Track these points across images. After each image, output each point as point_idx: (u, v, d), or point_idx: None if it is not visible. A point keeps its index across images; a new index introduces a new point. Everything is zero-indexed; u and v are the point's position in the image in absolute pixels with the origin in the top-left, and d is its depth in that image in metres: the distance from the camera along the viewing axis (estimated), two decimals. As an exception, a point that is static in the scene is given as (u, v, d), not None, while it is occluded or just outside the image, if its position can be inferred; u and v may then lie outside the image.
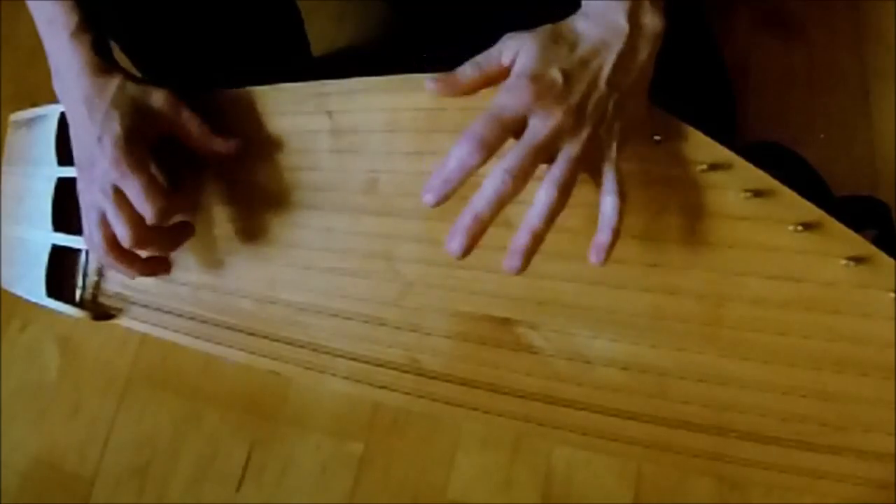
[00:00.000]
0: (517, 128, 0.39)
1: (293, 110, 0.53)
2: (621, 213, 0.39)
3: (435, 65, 0.43)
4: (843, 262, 0.39)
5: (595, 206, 0.44)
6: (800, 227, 0.40)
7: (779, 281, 0.41)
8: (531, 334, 0.48)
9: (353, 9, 0.82)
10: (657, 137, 0.42)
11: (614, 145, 0.39)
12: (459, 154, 0.38)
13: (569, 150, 0.38)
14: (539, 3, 0.41)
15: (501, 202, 0.37)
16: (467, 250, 0.38)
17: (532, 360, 0.49)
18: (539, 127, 0.38)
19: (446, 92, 0.42)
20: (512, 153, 0.38)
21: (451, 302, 0.50)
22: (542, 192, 0.38)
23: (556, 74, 0.38)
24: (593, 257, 0.39)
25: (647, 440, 0.47)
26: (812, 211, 0.40)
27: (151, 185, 0.49)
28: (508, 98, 0.38)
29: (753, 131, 0.63)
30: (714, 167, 0.41)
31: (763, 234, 0.41)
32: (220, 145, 0.54)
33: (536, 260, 0.46)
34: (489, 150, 0.38)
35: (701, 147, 0.42)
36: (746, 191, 0.40)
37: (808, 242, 0.40)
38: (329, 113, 0.52)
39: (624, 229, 0.44)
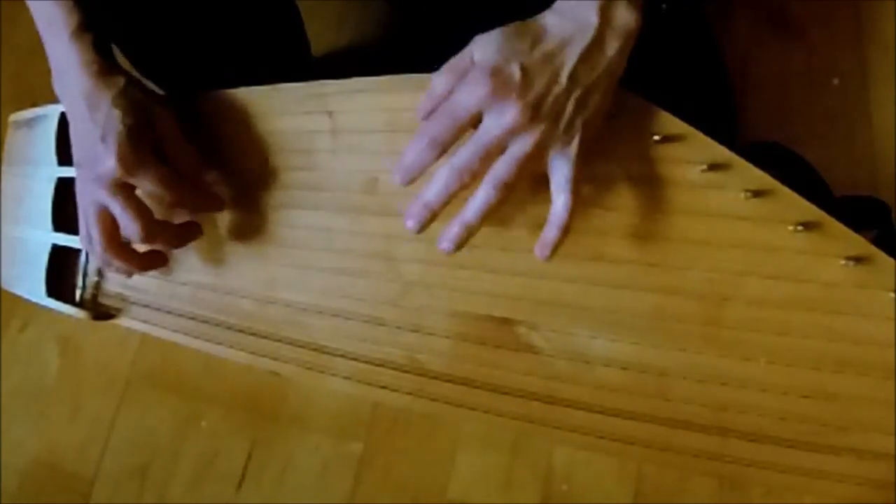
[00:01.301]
0: (473, 122, 0.39)
1: (293, 110, 0.53)
2: (571, 212, 0.40)
3: (435, 64, 0.43)
4: (843, 262, 0.39)
5: (598, 207, 0.45)
6: (800, 227, 0.40)
7: (779, 281, 0.41)
8: (531, 334, 0.48)
9: (353, 9, 0.82)
10: (657, 137, 0.42)
11: (574, 142, 0.39)
12: (414, 149, 0.40)
13: (515, 149, 0.39)
14: (538, 3, 0.41)
15: (449, 196, 0.40)
16: (419, 230, 0.41)
17: (532, 360, 0.49)
18: (491, 124, 0.38)
19: (432, 106, 0.42)
20: (463, 150, 0.39)
21: (451, 302, 0.50)
22: (480, 190, 0.40)
23: (514, 69, 0.38)
24: (538, 252, 0.41)
25: (647, 440, 0.47)
26: (812, 211, 0.40)
27: (165, 175, 0.50)
28: (465, 92, 0.39)
29: (753, 131, 0.63)
30: (714, 167, 0.41)
31: (763, 234, 0.41)
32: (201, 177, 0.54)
33: (538, 260, 0.46)
34: (442, 147, 0.40)
35: (701, 147, 0.41)
36: (746, 191, 0.40)
37: (808, 242, 0.40)
38: (329, 113, 0.52)
39: (624, 229, 0.44)
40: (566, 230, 0.40)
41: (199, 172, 0.54)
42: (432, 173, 0.41)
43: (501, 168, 0.39)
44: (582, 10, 0.38)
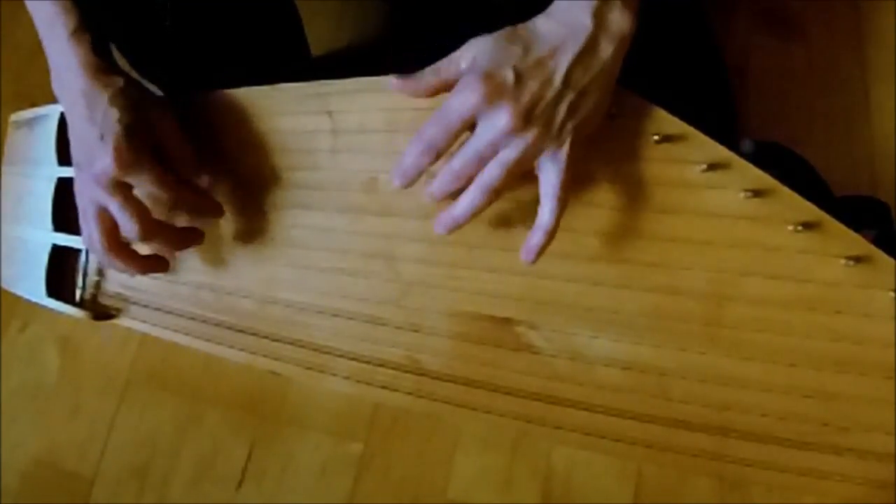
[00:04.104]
0: (467, 127, 0.40)
1: (293, 110, 0.53)
2: (558, 218, 0.40)
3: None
4: (843, 262, 0.39)
5: (599, 207, 0.45)
6: (800, 227, 0.40)
7: (779, 281, 0.41)
8: (532, 334, 0.48)
9: (353, 9, 0.82)
10: (656, 137, 0.42)
11: (565, 146, 0.39)
12: (411, 153, 0.41)
13: (505, 154, 0.39)
14: (539, 4, 0.41)
15: (448, 194, 0.42)
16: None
17: (532, 360, 0.49)
18: (485, 129, 0.39)
19: (406, 92, 0.43)
20: (457, 155, 0.40)
21: (451, 302, 0.50)
22: (468, 193, 0.41)
23: (507, 74, 0.38)
24: (523, 256, 0.42)
25: (648, 440, 0.47)
26: (812, 211, 0.40)
27: (162, 175, 0.50)
28: (458, 98, 0.39)
29: (753, 131, 0.63)
30: (714, 167, 0.41)
31: (763, 234, 0.41)
32: (197, 179, 0.55)
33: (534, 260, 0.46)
34: (437, 152, 0.40)
35: (701, 147, 0.42)
36: (746, 191, 0.40)
37: (808, 242, 0.40)
38: (329, 113, 0.52)
39: (624, 229, 0.44)
40: (552, 235, 0.41)
41: (197, 173, 0.54)
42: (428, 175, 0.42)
43: (490, 174, 0.40)
44: (576, 12, 0.38)
